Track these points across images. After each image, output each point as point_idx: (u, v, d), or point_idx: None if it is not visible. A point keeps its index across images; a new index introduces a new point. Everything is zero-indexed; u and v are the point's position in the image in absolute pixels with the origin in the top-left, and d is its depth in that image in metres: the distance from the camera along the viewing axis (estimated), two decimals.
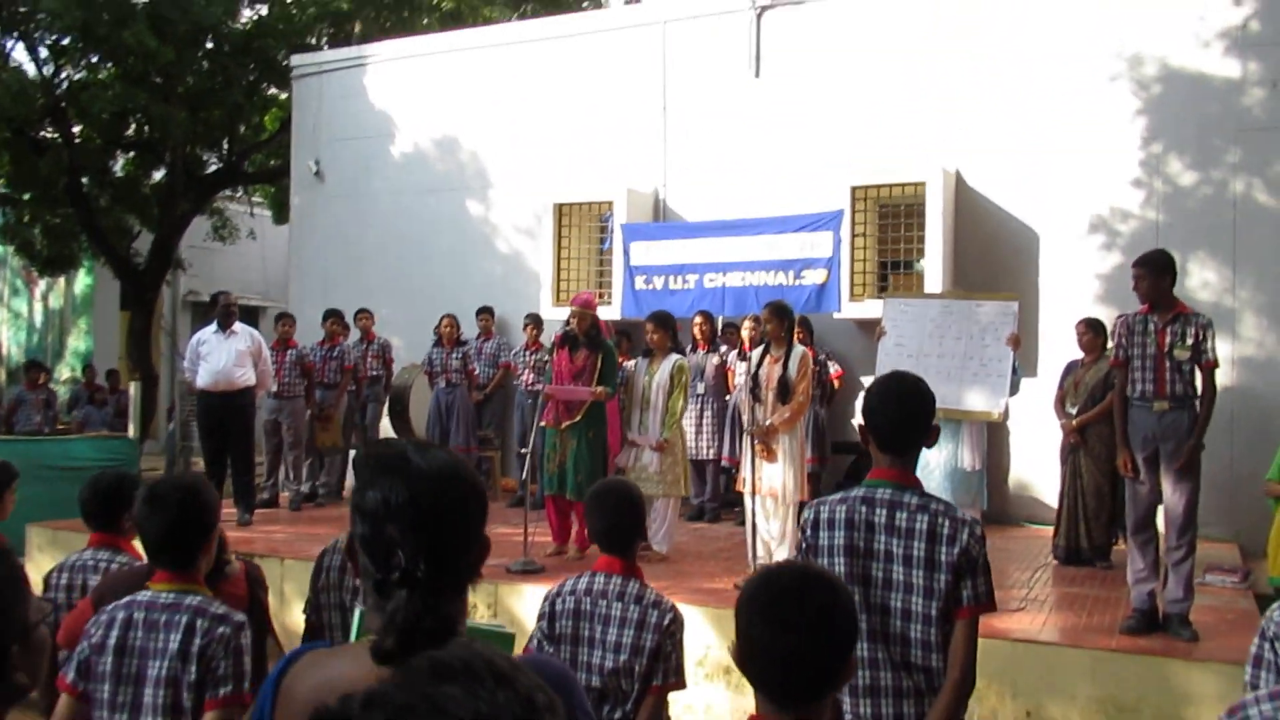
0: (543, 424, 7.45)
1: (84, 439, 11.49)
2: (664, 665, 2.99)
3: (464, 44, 11.87)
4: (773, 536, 6.72)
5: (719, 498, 9.14)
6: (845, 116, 9.68)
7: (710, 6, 10.44)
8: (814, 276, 9.29)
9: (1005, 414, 6.15)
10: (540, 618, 3.13)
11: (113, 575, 3.34)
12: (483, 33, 12.33)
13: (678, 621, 3.09)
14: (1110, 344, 6.73)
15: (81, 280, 19.69)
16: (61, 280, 19.39)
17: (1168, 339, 5.24)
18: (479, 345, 10.42)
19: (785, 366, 6.65)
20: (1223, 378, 8.27)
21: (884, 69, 9.55)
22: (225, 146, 17.06)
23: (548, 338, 10.08)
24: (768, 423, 6.54)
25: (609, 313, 10.16)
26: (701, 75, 10.43)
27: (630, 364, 8.92)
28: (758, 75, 10.15)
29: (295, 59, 13.22)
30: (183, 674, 2.60)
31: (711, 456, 8.88)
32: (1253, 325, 8.36)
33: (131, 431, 10.59)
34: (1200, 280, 8.51)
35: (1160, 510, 5.36)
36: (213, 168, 17.49)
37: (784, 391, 6.61)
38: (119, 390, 15.35)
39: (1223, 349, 8.31)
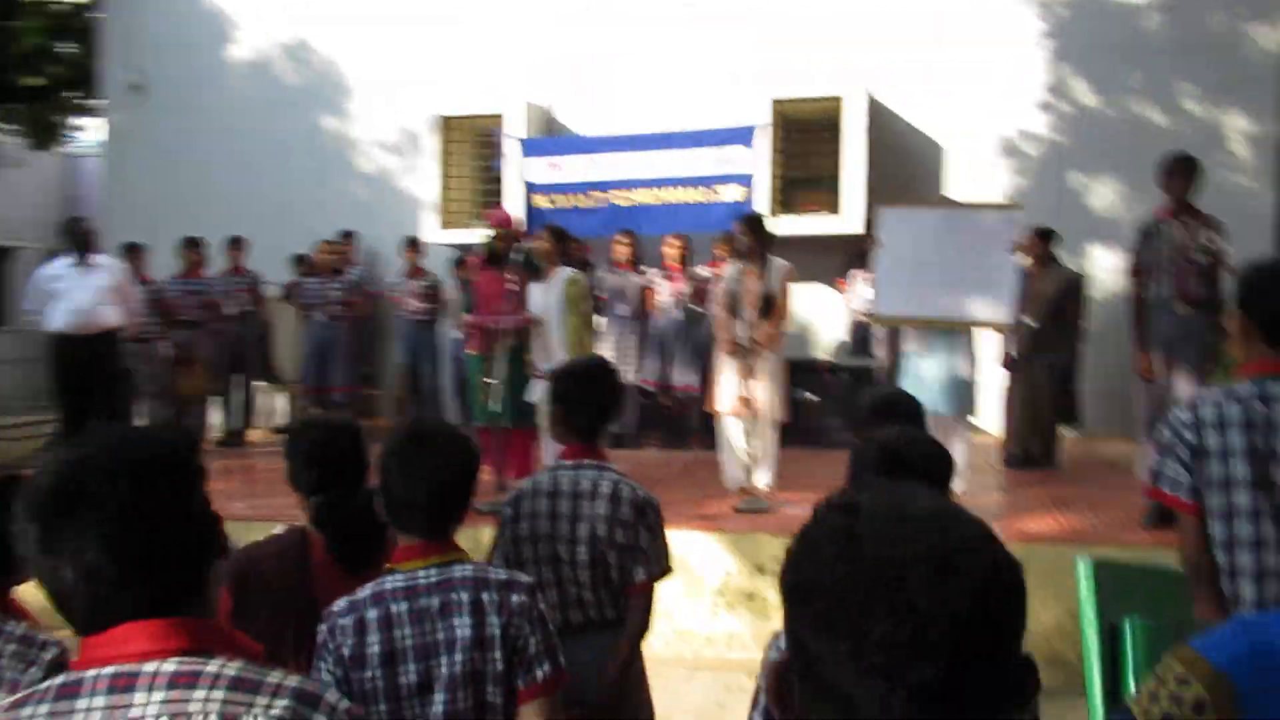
0: (470, 351, 6.82)
1: None
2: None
3: None
4: (753, 457, 6.42)
5: (638, 422, 8.75)
6: (757, 30, 9.35)
7: None
8: (730, 193, 8.95)
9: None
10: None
11: (253, 552, 2.56)
12: None
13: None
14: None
15: None
16: None
17: (1186, 242, 5.29)
18: None
19: (765, 280, 6.31)
20: (1113, 285, 8.71)
21: None
22: None
23: (433, 263, 9.32)
24: (746, 338, 6.18)
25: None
26: None
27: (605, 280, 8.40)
28: None
29: None
30: (485, 666, 2.02)
31: (637, 382, 8.45)
32: None
33: None
34: (1101, 200, 8.82)
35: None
36: None
37: (766, 306, 6.28)
38: None
39: (1118, 260, 8.74)
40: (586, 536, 2.77)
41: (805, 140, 9.23)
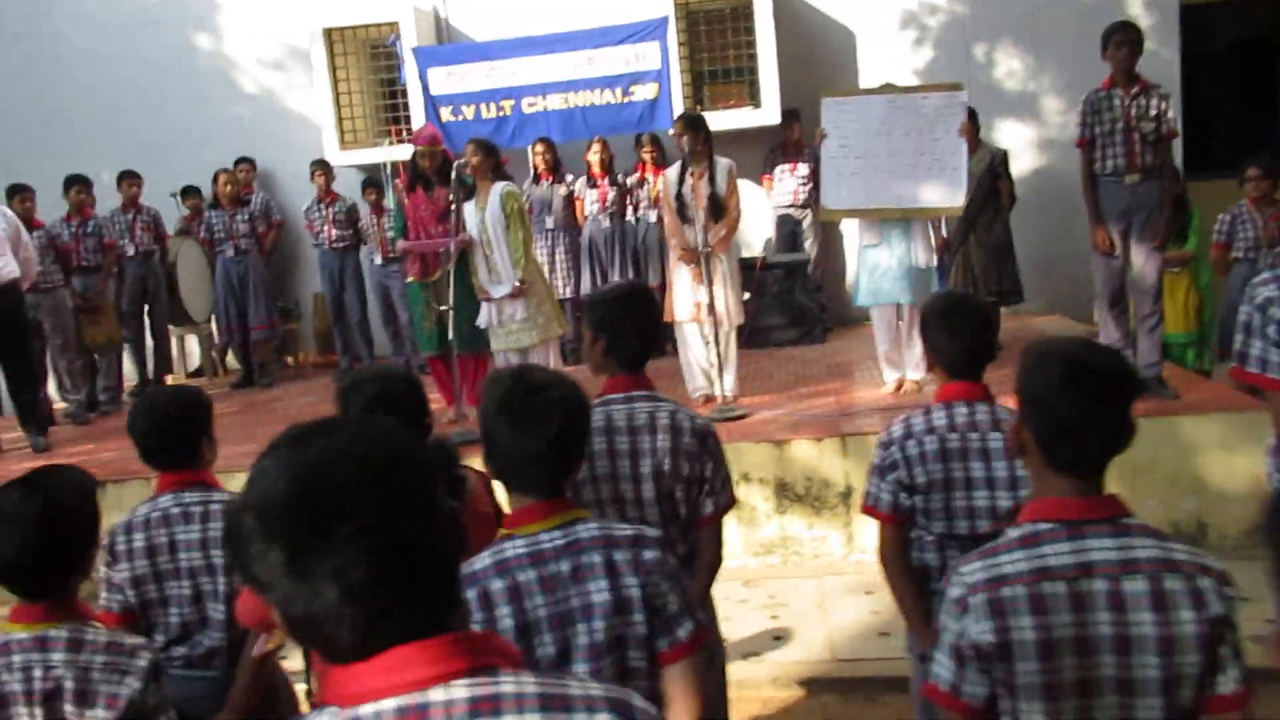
0: (409, 279, 6.57)
1: None
2: None
3: None
4: (712, 363, 6.40)
5: (576, 336, 8.62)
6: None
7: None
8: (644, 92, 8.74)
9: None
10: (884, 469, 2.61)
11: None
12: None
13: None
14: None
15: None
16: None
17: (1134, 112, 5.38)
18: None
19: (712, 181, 6.19)
20: (1030, 160, 8.90)
21: None
22: None
23: (346, 186, 8.87)
24: (708, 244, 6.07)
25: (410, 152, 9.06)
26: None
27: (527, 194, 8.06)
28: None
29: None
30: (626, 630, 1.87)
31: (570, 295, 8.27)
32: (1054, 109, 8.93)
33: None
34: (1006, 69, 8.92)
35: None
36: None
37: (715, 209, 6.17)
38: None
39: (1029, 133, 8.92)
40: (650, 472, 2.63)
41: (710, 33, 9.02)
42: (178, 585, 2.63)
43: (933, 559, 2.60)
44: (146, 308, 8.63)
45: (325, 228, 8.53)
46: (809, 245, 8.89)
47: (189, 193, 9.16)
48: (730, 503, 2.76)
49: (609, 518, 2.64)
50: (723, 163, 6.29)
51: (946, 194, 5.92)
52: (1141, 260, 5.47)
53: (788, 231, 8.92)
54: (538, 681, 1.08)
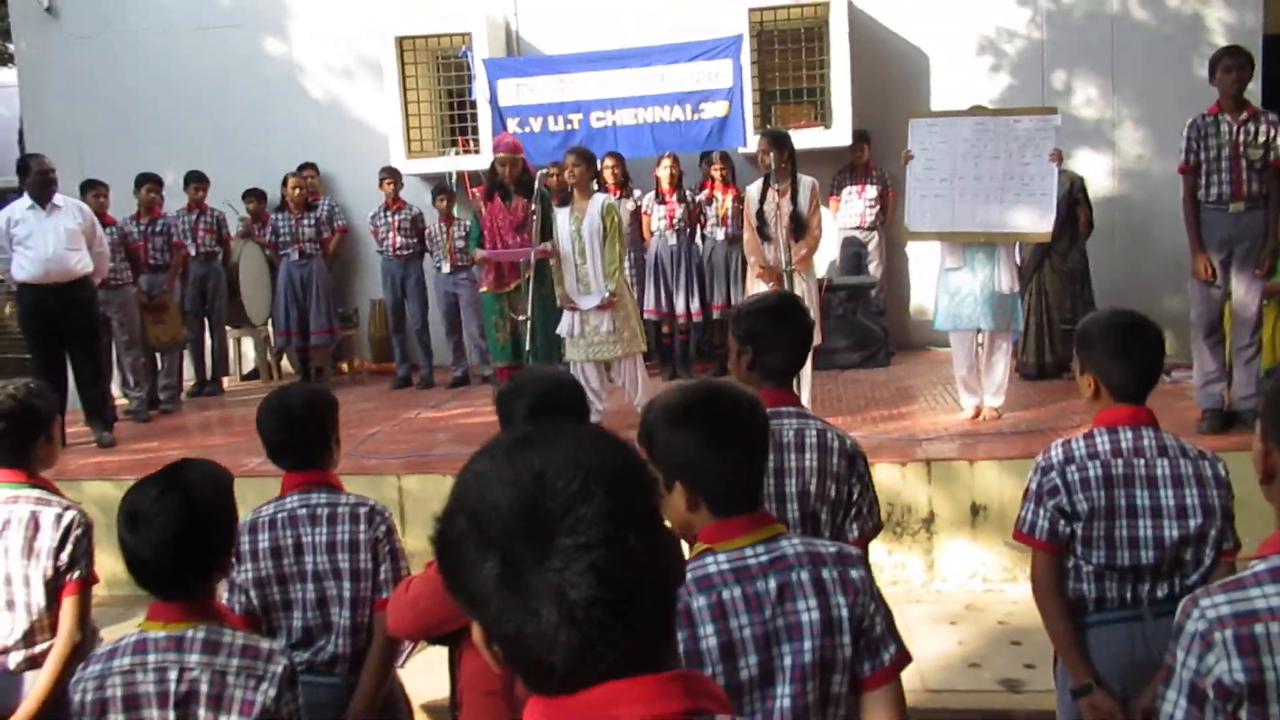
0: (483, 289, 6.52)
1: None
2: (1225, 525, 2.50)
3: None
4: (801, 382, 6.29)
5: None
6: None
7: None
8: (714, 109, 8.68)
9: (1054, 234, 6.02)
10: (1044, 494, 2.49)
11: None
12: None
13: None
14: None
15: None
16: None
17: (1242, 138, 5.25)
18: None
19: (794, 200, 6.11)
20: (1104, 188, 8.76)
21: None
22: None
23: (409, 194, 8.85)
24: (791, 263, 5.98)
25: (479, 161, 9.05)
26: None
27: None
28: None
29: None
30: (834, 653, 1.73)
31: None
32: (1130, 138, 8.80)
33: None
34: (1083, 97, 8.79)
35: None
36: None
37: (796, 227, 6.09)
38: None
39: (1104, 161, 8.77)
40: (795, 493, 2.54)
41: (783, 52, 8.96)
42: (302, 588, 2.55)
43: (1089, 590, 2.48)
44: (207, 308, 8.64)
45: (390, 235, 8.49)
46: (874, 268, 8.79)
47: (250, 195, 9.20)
48: (877, 529, 2.65)
49: None
50: (805, 180, 6.22)
51: (1035, 219, 5.81)
52: (1243, 290, 5.33)
53: (852, 254, 8.82)
54: None
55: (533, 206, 6.04)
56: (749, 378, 2.66)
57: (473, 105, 9.11)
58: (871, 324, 8.51)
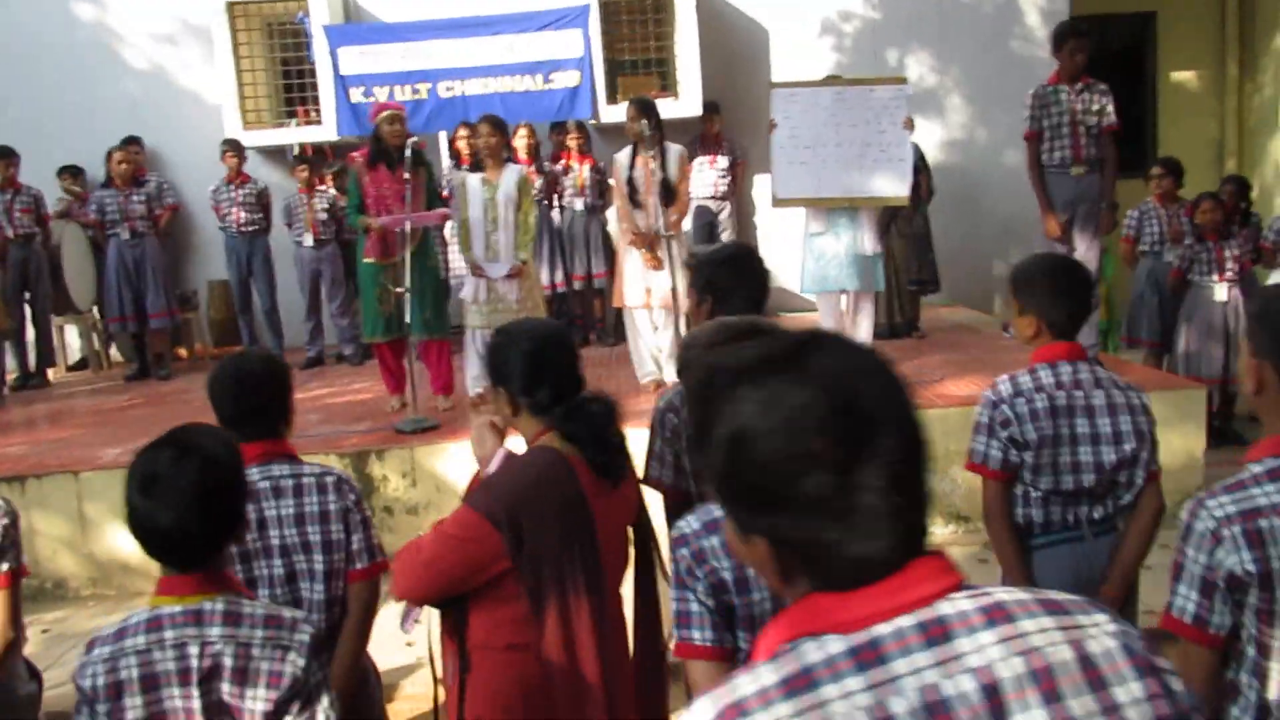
0: (367, 259, 6.31)
1: None
2: (1152, 450, 2.72)
3: None
4: (662, 349, 6.40)
5: None
6: None
7: None
8: (565, 79, 8.66)
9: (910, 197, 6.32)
10: (995, 426, 2.65)
11: (514, 487, 2.17)
12: None
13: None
14: None
15: None
16: None
17: (1079, 107, 5.67)
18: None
19: (664, 166, 6.19)
20: (935, 158, 9.26)
21: None
22: None
23: (248, 167, 8.44)
24: (662, 228, 6.06)
25: (321, 133, 8.74)
26: None
27: (448, 178, 7.82)
28: None
29: None
30: None
31: None
32: (957, 110, 9.32)
33: None
34: (915, 73, 9.23)
35: None
36: None
37: (666, 193, 6.18)
38: None
39: (934, 131, 9.28)
40: None
41: (631, 23, 9.01)
42: (268, 565, 2.44)
43: (1037, 515, 2.66)
44: (28, 295, 7.99)
45: (234, 210, 8.07)
46: (725, 237, 8.98)
47: (66, 172, 8.57)
48: None
49: None
50: (674, 148, 6.30)
51: (893, 183, 6.09)
52: (1084, 248, 5.77)
53: (705, 223, 8.97)
54: (1025, 591, 1.05)
55: (406, 174, 5.87)
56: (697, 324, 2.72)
57: (310, 75, 8.75)
58: None
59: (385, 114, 6.06)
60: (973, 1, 9.21)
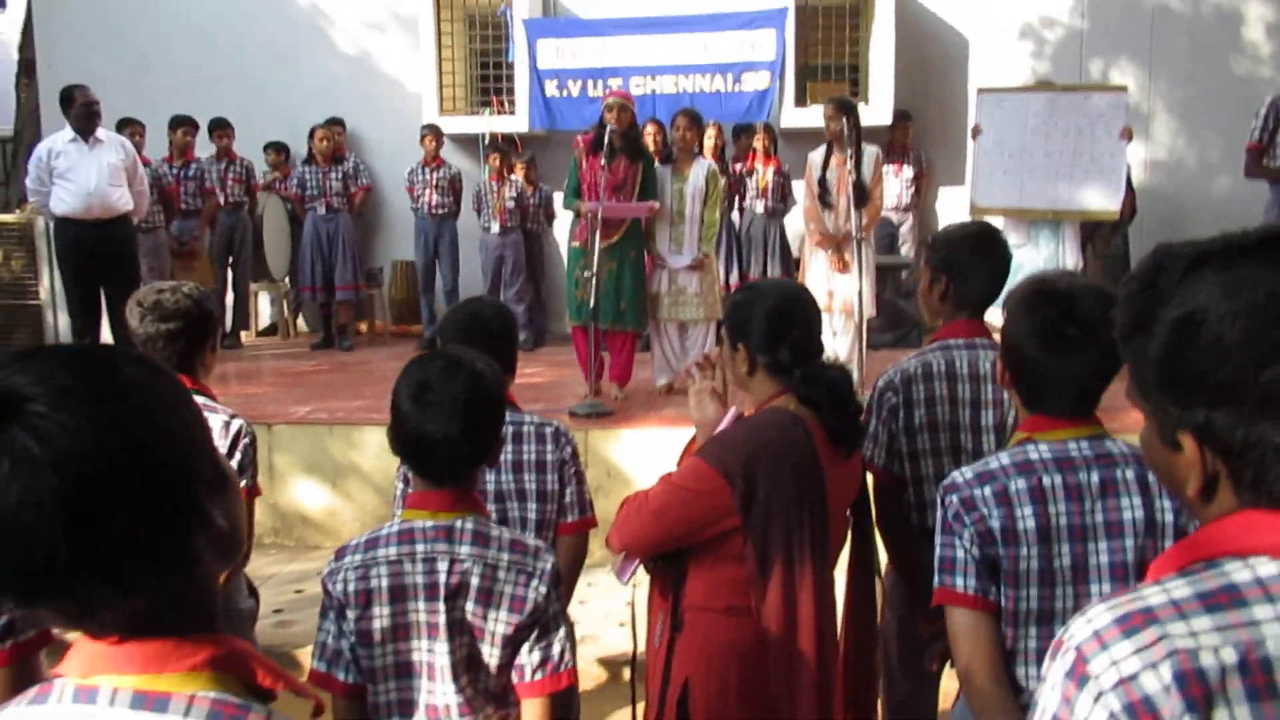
0: (575, 244, 6.32)
1: None
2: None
3: None
4: (840, 353, 6.26)
5: None
6: None
7: None
8: (755, 81, 8.62)
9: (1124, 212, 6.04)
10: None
11: (754, 442, 2.07)
12: None
13: None
14: None
15: None
16: None
17: None
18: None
19: (858, 168, 6.06)
20: (1137, 179, 8.81)
21: None
22: None
23: (448, 153, 8.69)
24: (853, 230, 5.93)
25: (513, 124, 8.92)
26: None
27: None
28: None
29: None
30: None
31: None
32: (1165, 129, 8.85)
33: None
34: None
35: None
36: None
37: (859, 195, 6.04)
38: None
39: (1139, 151, 8.82)
40: (993, 424, 2.52)
41: (826, 28, 8.91)
42: None
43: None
44: (232, 260, 8.44)
45: (427, 192, 8.34)
46: (906, 249, 8.77)
47: (271, 148, 9.00)
48: None
49: (943, 468, 2.50)
50: (870, 149, 6.16)
51: (1103, 196, 5.82)
52: None
53: (886, 234, 8.78)
54: None
55: (620, 163, 5.88)
56: (940, 308, 2.61)
57: (505, 66, 8.97)
58: (903, 304, 8.49)
59: (610, 100, 6.06)
60: (1189, 11, 8.72)
